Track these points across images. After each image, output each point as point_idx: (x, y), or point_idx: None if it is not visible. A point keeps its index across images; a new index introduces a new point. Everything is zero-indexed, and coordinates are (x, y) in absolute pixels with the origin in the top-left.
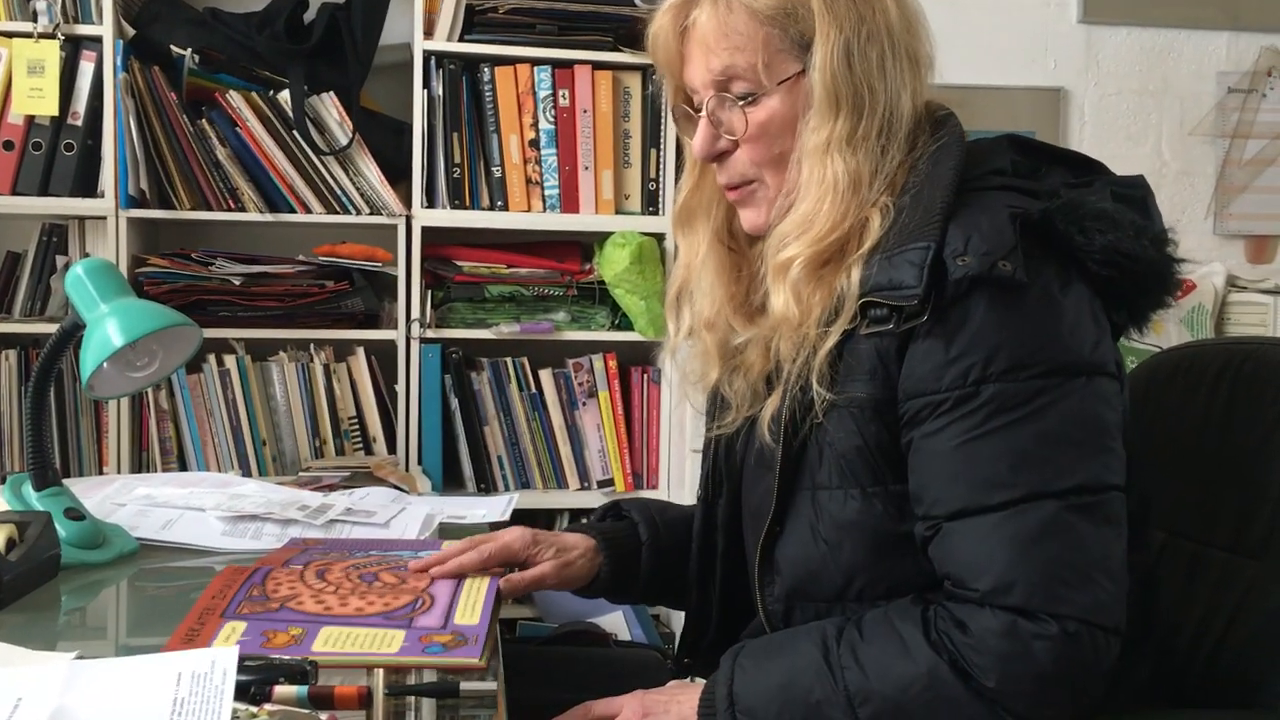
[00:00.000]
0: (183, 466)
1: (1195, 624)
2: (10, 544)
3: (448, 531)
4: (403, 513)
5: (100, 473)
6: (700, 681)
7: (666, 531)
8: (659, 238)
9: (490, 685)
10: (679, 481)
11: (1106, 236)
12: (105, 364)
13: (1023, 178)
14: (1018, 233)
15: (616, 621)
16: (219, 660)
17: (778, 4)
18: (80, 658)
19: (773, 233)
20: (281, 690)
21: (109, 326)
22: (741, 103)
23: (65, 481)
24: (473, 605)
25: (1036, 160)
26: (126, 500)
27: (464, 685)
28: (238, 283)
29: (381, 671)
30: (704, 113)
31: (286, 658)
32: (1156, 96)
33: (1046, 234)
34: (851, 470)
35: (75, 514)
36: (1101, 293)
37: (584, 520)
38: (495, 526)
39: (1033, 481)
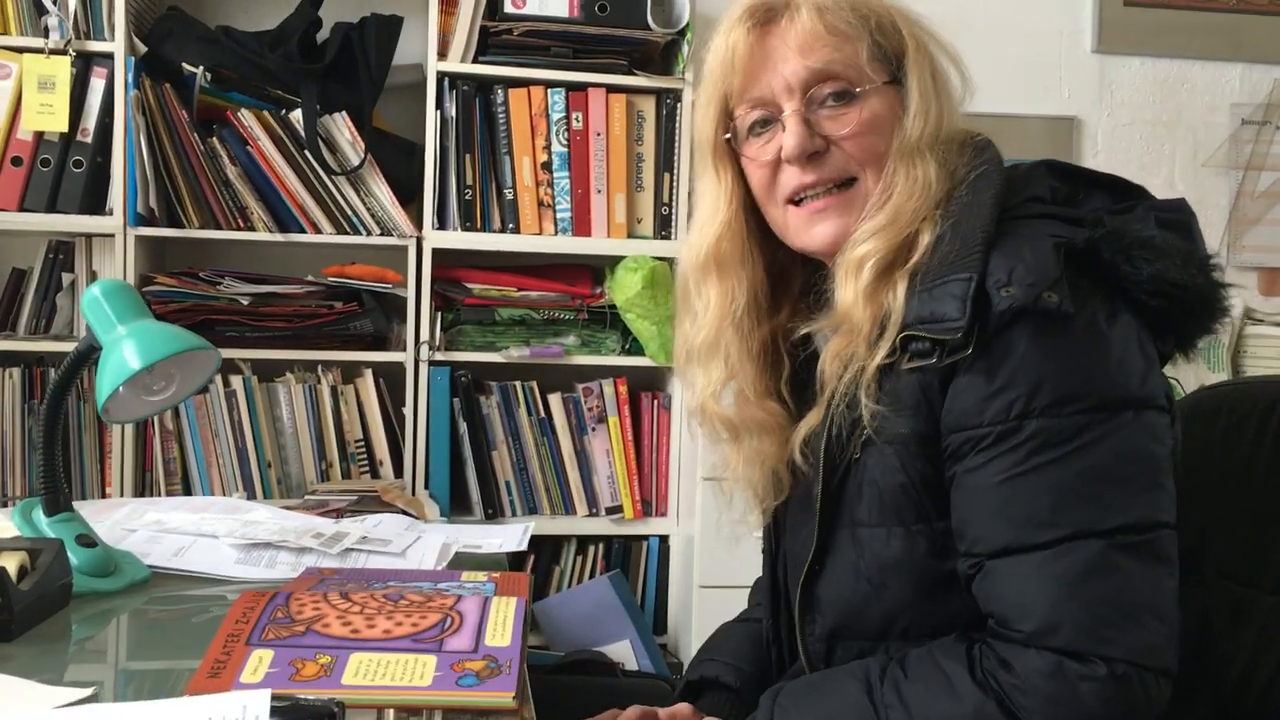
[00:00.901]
0: (187, 488)
1: (1243, 666)
2: (22, 572)
3: (463, 561)
4: (418, 541)
5: (103, 494)
6: None
7: (748, 661)
8: (671, 262)
9: None
10: (689, 510)
11: (1154, 265)
12: (121, 388)
13: (1061, 204)
14: (1062, 262)
15: (624, 650)
16: (250, 705)
17: (869, 15)
18: (96, 695)
19: (857, 231)
20: None
21: (126, 349)
22: (839, 102)
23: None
24: (503, 624)
25: (1075, 185)
26: (137, 526)
27: None
28: (246, 303)
29: (393, 712)
30: (789, 112)
31: (312, 698)
32: (1169, 127)
33: (1091, 263)
34: (895, 507)
35: (87, 541)
36: (1149, 323)
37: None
38: (512, 557)
39: (1078, 520)
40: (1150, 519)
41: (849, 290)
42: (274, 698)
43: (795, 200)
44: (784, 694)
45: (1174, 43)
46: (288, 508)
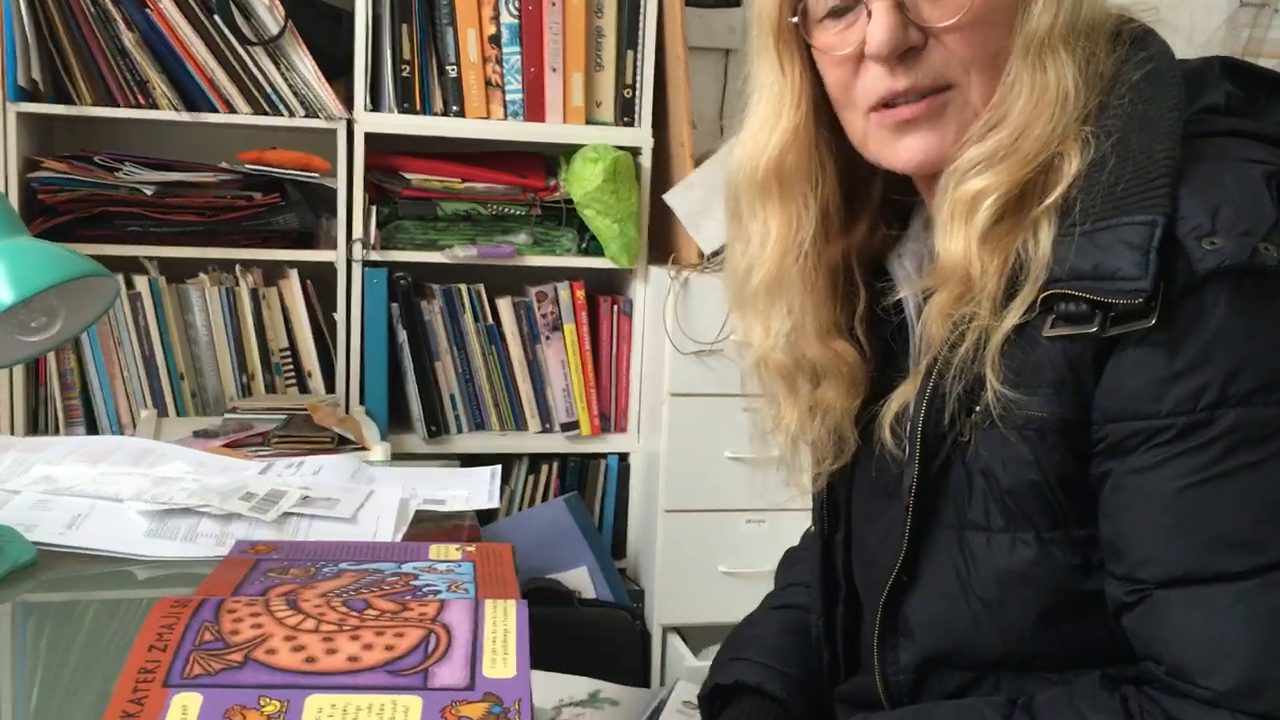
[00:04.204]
0: (86, 403)
1: None
2: None
3: (425, 520)
4: (370, 499)
5: None
6: None
7: (794, 664)
8: (634, 152)
9: None
10: (653, 426)
11: None
12: None
13: (1240, 115)
14: (1275, 200)
15: (580, 578)
16: None
17: None
18: None
19: (959, 159)
20: None
21: None
22: None
23: None
24: (503, 643)
25: (1254, 90)
26: (21, 486)
27: None
28: (149, 192)
29: None
30: None
31: None
32: (1165, 9)
33: None
34: (1022, 509)
35: None
36: None
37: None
38: (481, 514)
39: None
40: None
41: (957, 238)
42: None
43: (879, 106)
44: None
45: None
46: (206, 430)
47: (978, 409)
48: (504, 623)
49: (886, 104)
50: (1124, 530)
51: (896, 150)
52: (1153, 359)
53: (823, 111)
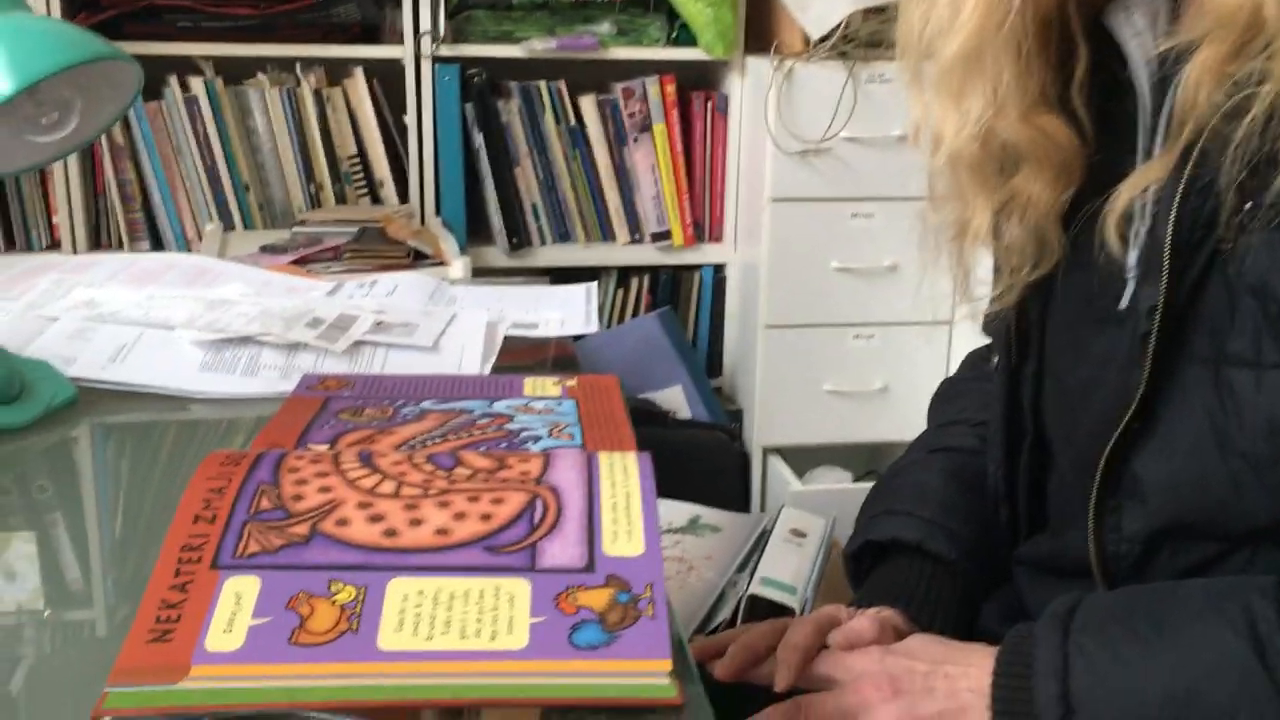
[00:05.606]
0: (148, 216)
1: None
2: None
3: (513, 346)
4: (453, 324)
5: (49, 225)
6: (981, 646)
7: (963, 519)
8: None
9: None
10: (751, 235)
11: None
12: None
13: None
14: None
15: (675, 397)
16: None
17: None
18: None
19: None
20: None
21: None
22: None
23: None
24: (625, 511)
25: None
26: (58, 311)
27: None
28: None
29: None
30: None
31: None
32: None
33: None
34: None
35: None
36: None
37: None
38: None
39: None
40: None
41: None
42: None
43: None
44: (1082, 628)
45: None
46: (273, 245)
47: (1253, 205)
48: (624, 484)
49: None
50: None
51: None
52: None
53: None
